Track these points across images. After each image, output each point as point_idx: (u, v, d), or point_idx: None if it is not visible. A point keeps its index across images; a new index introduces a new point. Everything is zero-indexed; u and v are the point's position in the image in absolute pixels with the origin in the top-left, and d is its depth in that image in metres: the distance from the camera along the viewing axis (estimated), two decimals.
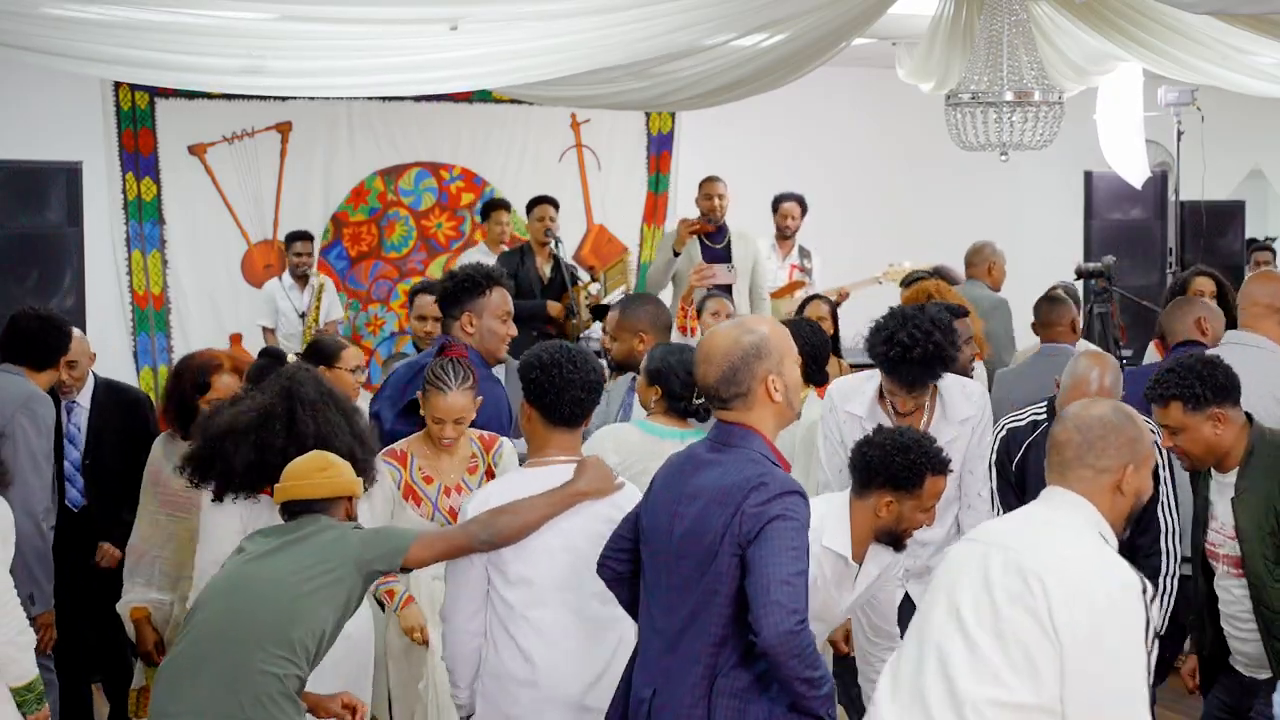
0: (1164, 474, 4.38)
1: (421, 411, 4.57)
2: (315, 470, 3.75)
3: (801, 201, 9.29)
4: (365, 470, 4.04)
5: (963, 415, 4.57)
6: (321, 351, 5.45)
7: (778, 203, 9.30)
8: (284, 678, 3.50)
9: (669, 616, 3.23)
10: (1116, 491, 2.99)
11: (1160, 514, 4.47)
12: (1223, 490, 4.21)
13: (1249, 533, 4.11)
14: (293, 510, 3.74)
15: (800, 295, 8.55)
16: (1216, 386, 4.11)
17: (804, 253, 9.21)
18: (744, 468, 3.19)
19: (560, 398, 3.72)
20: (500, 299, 5.04)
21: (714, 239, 8.43)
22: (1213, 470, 4.25)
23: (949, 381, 4.60)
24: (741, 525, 3.10)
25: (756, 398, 3.24)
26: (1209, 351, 4.71)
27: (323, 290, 9.45)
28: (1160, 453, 4.02)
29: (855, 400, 4.60)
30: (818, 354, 5.23)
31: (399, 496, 4.52)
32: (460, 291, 5.01)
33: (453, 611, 3.73)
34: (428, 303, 6.18)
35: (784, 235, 9.22)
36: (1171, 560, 4.48)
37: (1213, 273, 6.86)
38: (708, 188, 8.57)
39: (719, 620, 3.15)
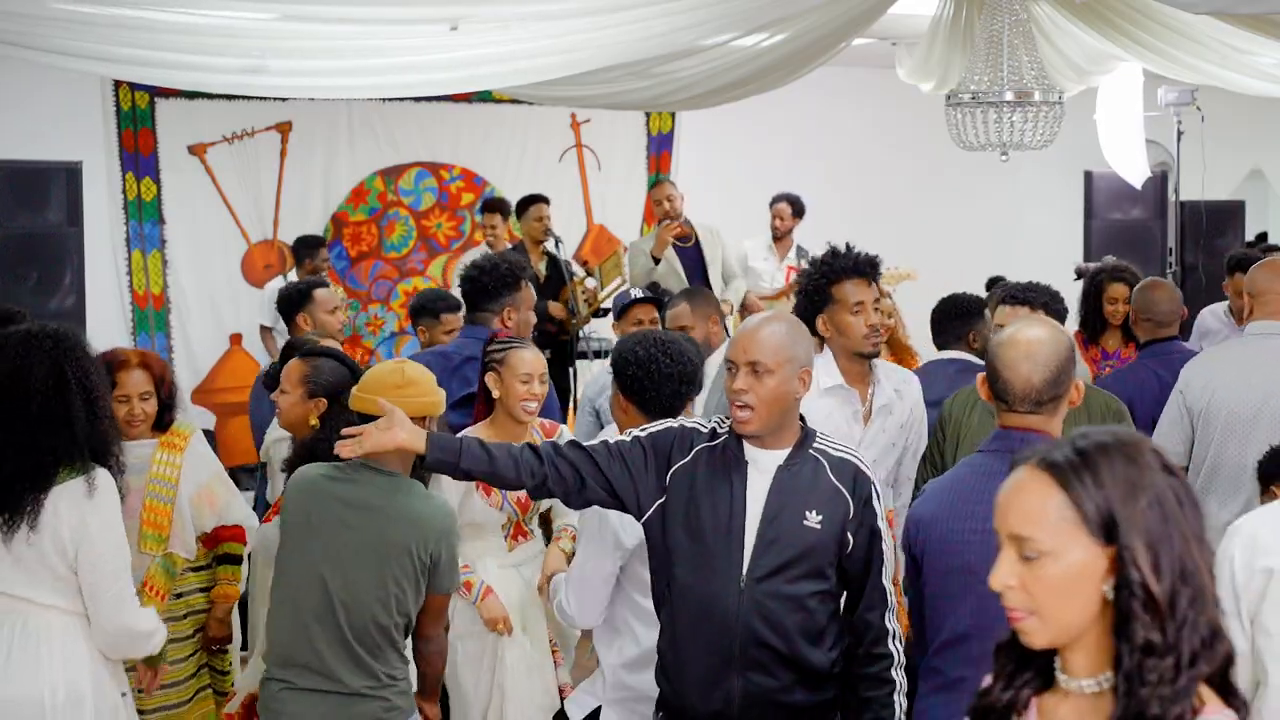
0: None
1: (495, 392, 4.47)
2: (392, 387, 3.63)
3: (793, 201, 9.34)
4: None
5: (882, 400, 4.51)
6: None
7: (771, 204, 9.35)
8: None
9: (967, 641, 3.10)
10: None
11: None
12: None
13: None
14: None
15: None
16: None
17: (801, 252, 9.25)
18: None
19: (659, 391, 3.71)
20: (530, 291, 5.35)
21: (682, 239, 8.57)
22: None
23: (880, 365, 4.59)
24: None
25: (1063, 403, 3.17)
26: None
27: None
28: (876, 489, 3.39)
29: (823, 377, 4.35)
30: None
31: (471, 484, 4.50)
32: (501, 286, 5.24)
33: (583, 615, 3.75)
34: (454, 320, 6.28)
35: (776, 236, 9.27)
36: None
37: (1128, 278, 6.62)
38: (657, 193, 8.67)
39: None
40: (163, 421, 4.72)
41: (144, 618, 3.77)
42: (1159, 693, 1.76)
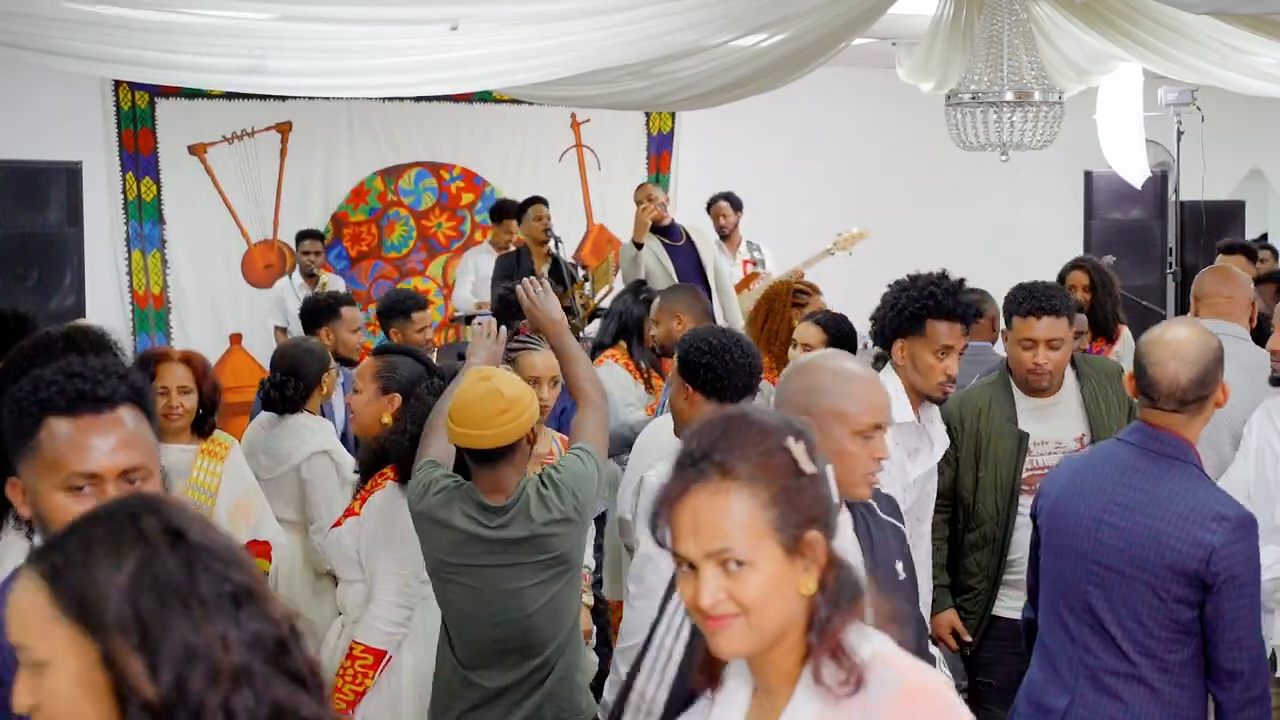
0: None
1: None
2: (496, 414, 3.41)
3: (729, 198, 9.36)
4: None
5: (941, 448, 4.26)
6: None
7: (709, 206, 9.37)
8: None
9: (1085, 626, 3.18)
10: None
11: None
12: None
13: None
14: (477, 457, 3.51)
15: (758, 287, 8.79)
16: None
17: (752, 246, 9.33)
18: (1196, 488, 3.12)
19: (732, 382, 3.68)
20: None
21: (672, 236, 8.52)
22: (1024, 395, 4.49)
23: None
24: (1209, 562, 3.04)
25: (1209, 404, 3.20)
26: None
27: (324, 289, 9.42)
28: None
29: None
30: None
31: None
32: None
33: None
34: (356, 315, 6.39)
35: (723, 235, 9.28)
36: None
37: (1086, 266, 6.68)
38: (639, 194, 8.68)
39: (1159, 640, 3.10)
40: (203, 427, 4.68)
41: None
42: None
